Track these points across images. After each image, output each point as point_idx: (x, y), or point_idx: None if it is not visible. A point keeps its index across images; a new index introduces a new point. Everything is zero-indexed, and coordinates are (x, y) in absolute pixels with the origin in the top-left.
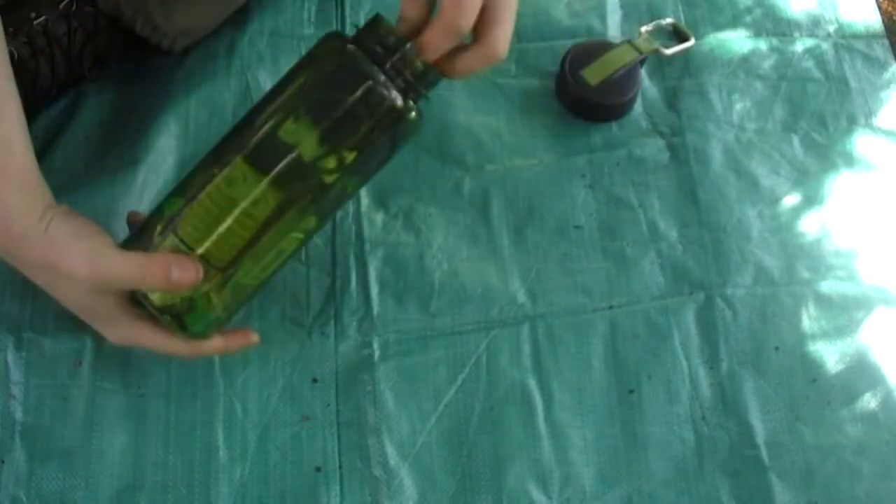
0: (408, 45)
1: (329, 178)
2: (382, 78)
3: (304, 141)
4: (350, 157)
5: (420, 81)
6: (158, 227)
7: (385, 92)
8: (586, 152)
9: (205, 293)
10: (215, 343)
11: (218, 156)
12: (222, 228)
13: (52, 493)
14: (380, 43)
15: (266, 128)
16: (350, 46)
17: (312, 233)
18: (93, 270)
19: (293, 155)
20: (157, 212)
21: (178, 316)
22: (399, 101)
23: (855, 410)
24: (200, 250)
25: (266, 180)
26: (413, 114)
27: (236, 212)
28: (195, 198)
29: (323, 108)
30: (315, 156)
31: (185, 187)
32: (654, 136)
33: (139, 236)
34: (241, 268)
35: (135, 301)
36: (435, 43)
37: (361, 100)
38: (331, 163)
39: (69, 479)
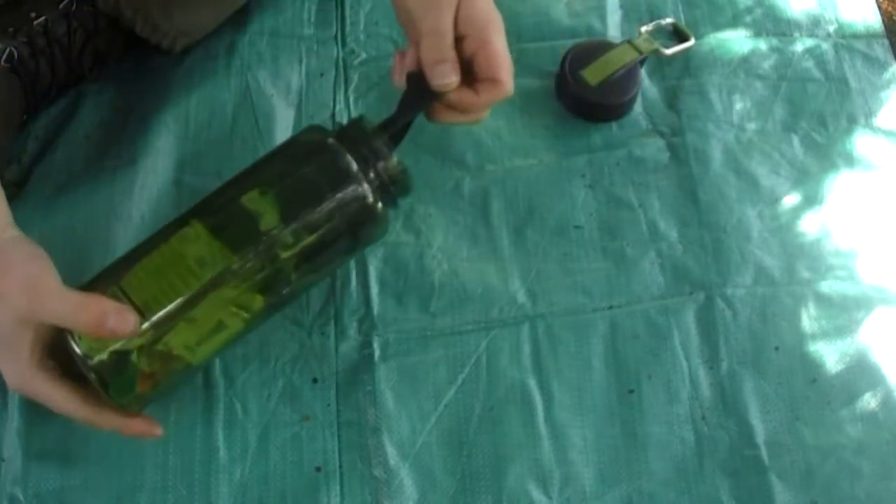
0: (389, 151)
1: (283, 254)
2: (358, 173)
3: (266, 212)
4: (309, 238)
5: (395, 185)
6: (106, 282)
7: (358, 187)
8: (586, 152)
9: (135, 353)
10: (113, 420)
11: (180, 219)
12: (163, 281)
13: (51, 493)
14: (362, 142)
15: (230, 194)
16: (331, 140)
17: (258, 317)
18: (30, 297)
19: (251, 222)
20: (109, 266)
21: (104, 377)
22: (371, 198)
23: (855, 410)
24: (137, 300)
25: (217, 241)
26: (380, 210)
27: (181, 267)
28: (147, 254)
29: (292, 187)
30: (273, 227)
31: (141, 246)
32: (654, 136)
33: (87, 286)
34: (175, 331)
35: (56, 354)
36: (487, 106)
37: (333, 187)
38: (287, 238)
39: (68, 479)
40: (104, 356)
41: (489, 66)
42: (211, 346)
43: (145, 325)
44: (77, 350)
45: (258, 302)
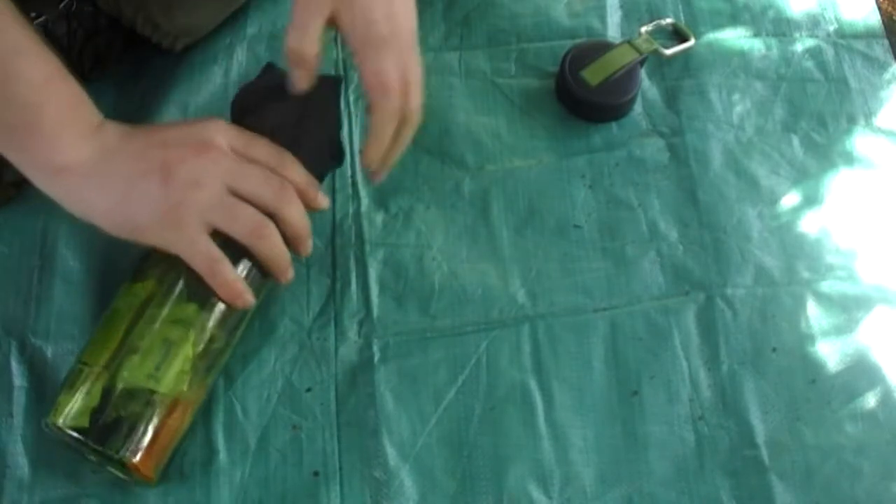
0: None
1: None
2: None
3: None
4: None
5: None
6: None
7: None
8: (586, 152)
9: (110, 400)
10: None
11: None
12: (99, 332)
13: (57, 501)
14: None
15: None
16: None
17: (205, 327)
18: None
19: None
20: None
21: (102, 435)
22: None
23: (855, 410)
24: (87, 360)
25: (134, 282)
26: None
27: (110, 314)
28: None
29: None
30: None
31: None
32: (654, 136)
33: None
34: (125, 364)
35: None
36: (385, 127)
37: None
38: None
39: (73, 486)
40: (84, 417)
41: (366, 89)
42: (174, 368)
43: (97, 369)
44: (58, 425)
45: (190, 309)
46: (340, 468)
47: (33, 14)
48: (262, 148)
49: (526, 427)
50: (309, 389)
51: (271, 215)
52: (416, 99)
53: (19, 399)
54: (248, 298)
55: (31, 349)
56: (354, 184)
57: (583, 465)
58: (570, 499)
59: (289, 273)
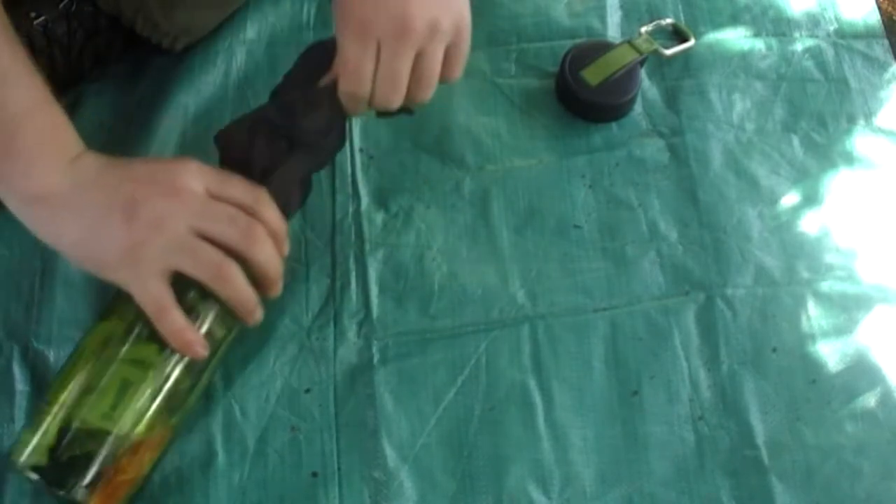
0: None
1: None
2: None
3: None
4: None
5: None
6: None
7: None
8: (586, 152)
9: (65, 437)
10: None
11: None
12: (63, 369)
13: None
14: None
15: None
16: None
17: (167, 368)
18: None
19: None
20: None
21: (58, 473)
22: None
23: (855, 410)
24: (50, 398)
25: (100, 322)
26: None
27: (73, 350)
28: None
29: None
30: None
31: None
32: (654, 136)
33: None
34: (81, 404)
35: None
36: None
37: None
38: None
39: None
40: (42, 456)
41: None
42: (131, 409)
43: (56, 407)
44: (19, 462)
45: (151, 350)
46: (339, 469)
47: (33, 14)
48: (237, 188)
49: (526, 427)
50: (308, 390)
51: (240, 256)
52: (387, 95)
53: (21, 404)
54: (199, 350)
55: (33, 354)
56: (354, 183)
57: (583, 466)
58: (569, 499)
59: (256, 315)
